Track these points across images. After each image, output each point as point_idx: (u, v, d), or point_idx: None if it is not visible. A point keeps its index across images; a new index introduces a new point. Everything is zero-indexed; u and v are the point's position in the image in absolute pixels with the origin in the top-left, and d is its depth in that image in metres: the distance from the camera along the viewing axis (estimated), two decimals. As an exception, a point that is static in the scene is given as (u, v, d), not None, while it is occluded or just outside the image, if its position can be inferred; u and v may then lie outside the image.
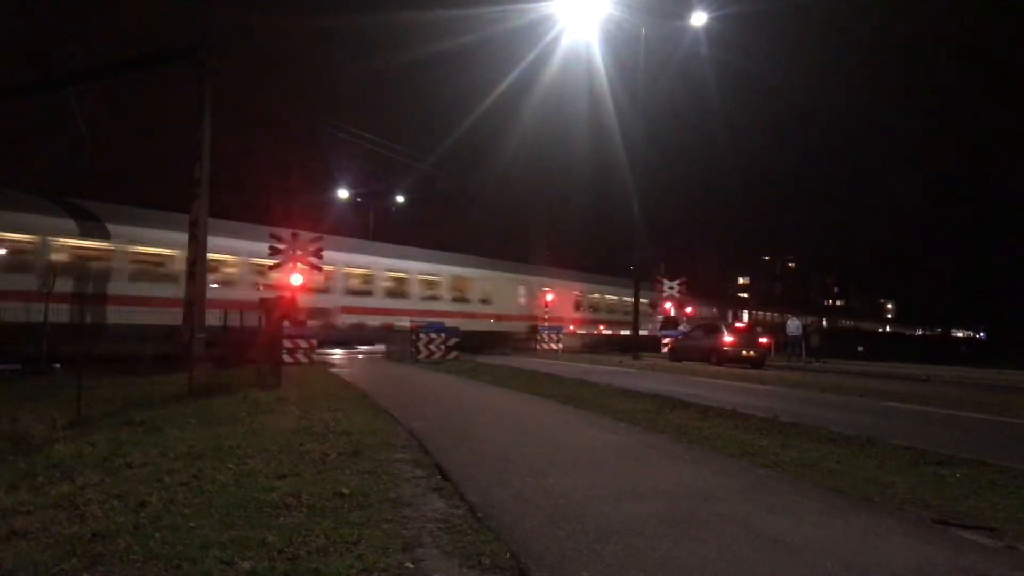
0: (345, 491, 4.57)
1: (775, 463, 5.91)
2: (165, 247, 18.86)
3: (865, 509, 4.52)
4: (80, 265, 17.52)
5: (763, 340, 23.69)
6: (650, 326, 34.43)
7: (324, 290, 23.09)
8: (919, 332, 69.83)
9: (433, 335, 21.69)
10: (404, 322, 23.84)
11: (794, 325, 25.70)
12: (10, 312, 15.47)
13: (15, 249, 16.78)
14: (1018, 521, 4.28)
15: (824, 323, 26.53)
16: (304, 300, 19.38)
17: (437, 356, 20.92)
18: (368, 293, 25.46)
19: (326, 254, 19.01)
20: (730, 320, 33.94)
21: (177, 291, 17.04)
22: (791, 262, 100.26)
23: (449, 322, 22.98)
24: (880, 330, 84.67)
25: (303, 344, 18.08)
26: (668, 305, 31.05)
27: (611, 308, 38.19)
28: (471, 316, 28.29)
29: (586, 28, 23.08)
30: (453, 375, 15.87)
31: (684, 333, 27.58)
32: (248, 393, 9.90)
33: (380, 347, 25.79)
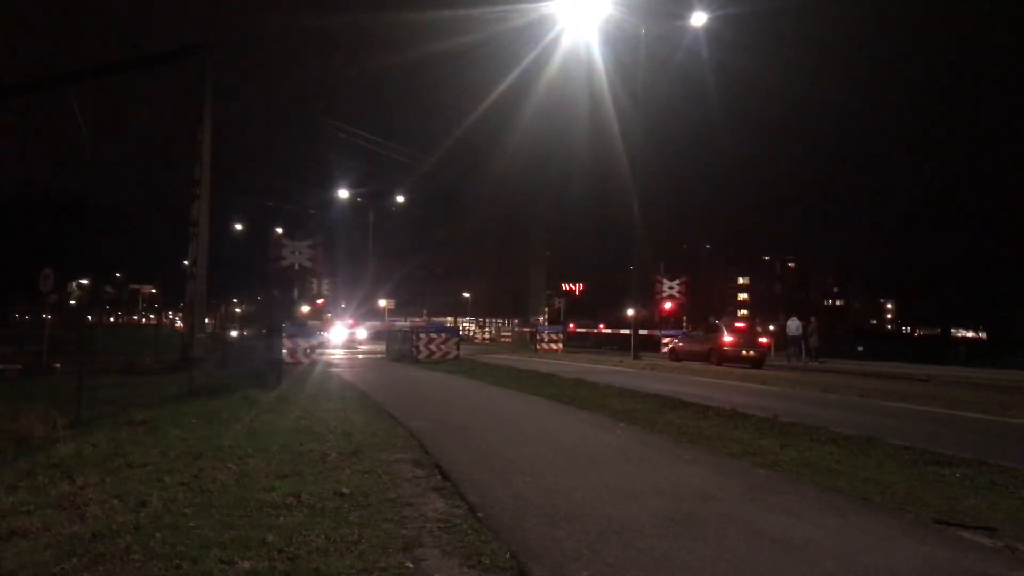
0: (345, 491, 4.57)
1: (775, 463, 5.91)
2: None
3: (865, 509, 4.52)
4: None
5: (763, 340, 23.68)
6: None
7: None
8: (920, 332, 69.77)
9: (433, 335, 21.69)
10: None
11: (794, 325, 25.65)
12: None
13: None
14: (1018, 521, 4.28)
15: (818, 320, 26.36)
16: None
17: (437, 356, 20.92)
18: None
19: None
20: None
21: None
22: (791, 262, 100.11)
23: None
24: (888, 328, 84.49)
25: (303, 344, 18.09)
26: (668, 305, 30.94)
27: None
28: None
29: (586, 28, 23.05)
30: (453, 375, 15.87)
31: (684, 333, 27.56)
32: (248, 393, 9.90)
33: (380, 347, 25.82)
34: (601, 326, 43.09)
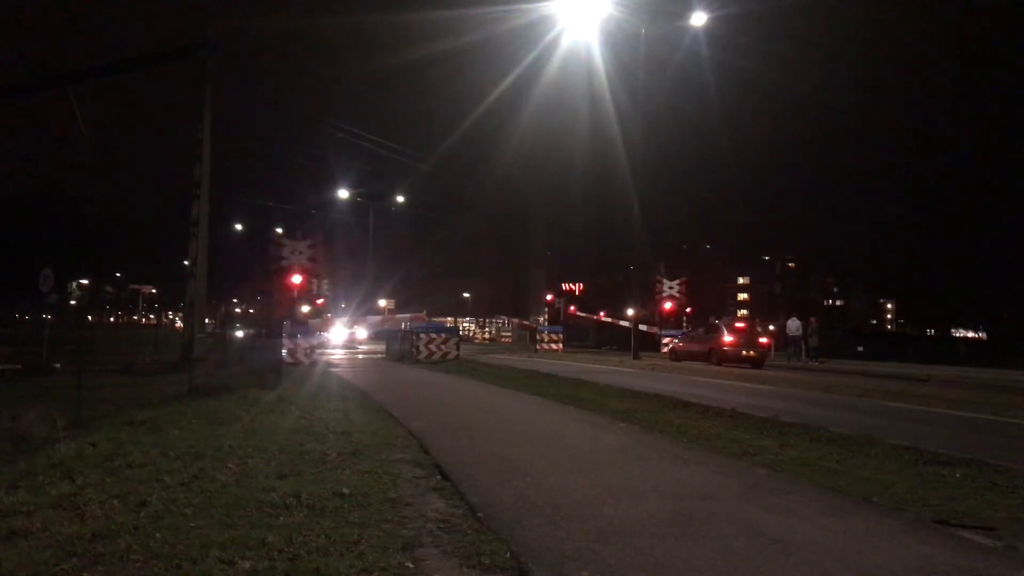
0: (345, 491, 4.57)
1: (775, 463, 5.91)
2: None
3: (865, 509, 4.52)
4: None
5: (763, 340, 23.69)
6: None
7: None
8: (933, 331, 69.51)
9: (433, 335, 21.69)
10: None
11: (794, 325, 25.64)
12: None
13: None
14: (1018, 521, 4.28)
15: (818, 320, 26.29)
16: None
17: (437, 356, 20.91)
18: None
19: None
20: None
21: None
22: (791, 262, 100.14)
23: None
24: (889, 328, 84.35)
25: (303, 344, 18.09)
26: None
27: None
28: None
29: (586, 28, 23.07)
30: (453, 375, 15.87)
31: (684, 333, 27.57)
32: (248, 393, 9.90)
33: (380, 347, 25.80)
34: (601, 314, 43.53)
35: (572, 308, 42.16)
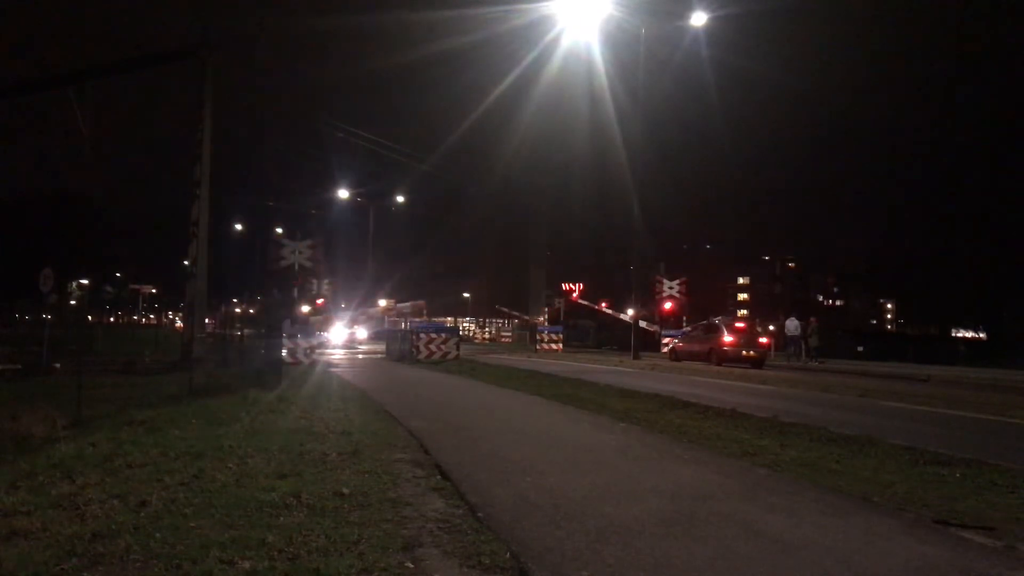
0: (345, 491, 4.57)
1: (775, 463, 5.91)
2: None
3: (865, 509, 4.51)
4: None
5: (763, 340, 23.69)
6: None
7: None
8: (939, 332, 69.39)
9: (433, 335, 21.69)
10: None
11: (792, 325, 25.65)
12: None
13: None
14: (1018, 521, 4.28)
15: (817, 320, 26.35)
16: None
17: (437, 356, 20.91)
18: None
19: None
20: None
21: None
22: (791, 262, 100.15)
23: None
24: (889, 328, 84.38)
25: (303, 344, 18.09)
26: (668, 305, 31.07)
27: None
28: None
29: (586, 28, 23.07)
30: (453, 375, 15.87)
31: (684, 333, 27.58)
32: (248, 393, 9.90)
33: (380, 347, 25.78)
34: (603, 304, 43.59)
35: (574, 296, 42.27)
